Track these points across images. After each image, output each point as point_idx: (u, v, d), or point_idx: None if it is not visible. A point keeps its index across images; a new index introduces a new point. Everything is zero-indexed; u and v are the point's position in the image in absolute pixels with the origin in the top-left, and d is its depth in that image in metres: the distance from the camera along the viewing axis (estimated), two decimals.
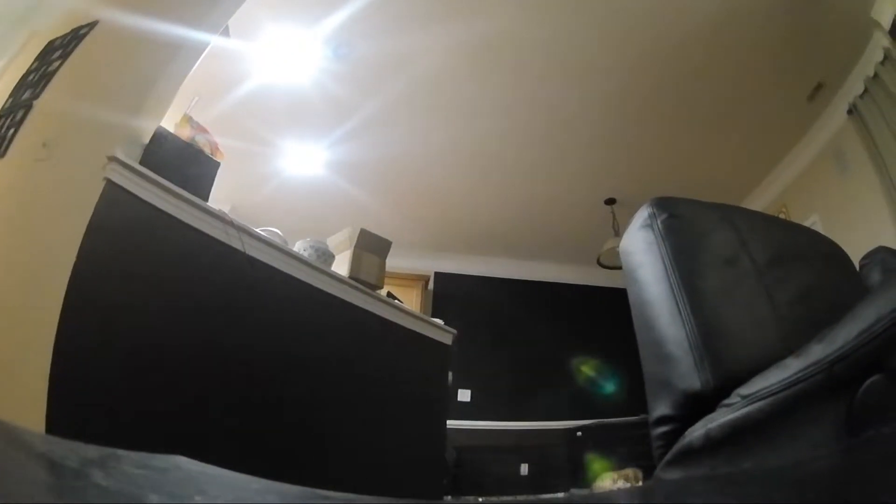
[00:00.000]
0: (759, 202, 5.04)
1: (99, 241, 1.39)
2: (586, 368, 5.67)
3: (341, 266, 2.30)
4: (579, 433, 4.97)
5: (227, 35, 2.61)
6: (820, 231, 3.96)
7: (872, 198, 3.72)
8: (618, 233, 4.82)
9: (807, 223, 4.34)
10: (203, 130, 1.97)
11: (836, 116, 4.12)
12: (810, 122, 4.31)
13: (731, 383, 0.88)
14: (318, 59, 3.40)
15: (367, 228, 2.48)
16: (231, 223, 1.75)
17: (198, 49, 1.99)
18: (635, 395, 5.44)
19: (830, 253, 1.45)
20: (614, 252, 4.78)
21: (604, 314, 5.94)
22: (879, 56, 3.49)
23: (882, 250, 1.87)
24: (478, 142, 4.28)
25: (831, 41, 3.60)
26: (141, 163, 1.60)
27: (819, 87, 3.97)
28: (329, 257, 2.18)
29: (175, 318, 1.54)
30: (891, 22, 3.22)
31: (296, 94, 3.66)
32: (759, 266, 1.10)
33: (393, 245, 5.33)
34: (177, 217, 1.60)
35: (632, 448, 4.72)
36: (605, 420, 5.05)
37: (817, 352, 0.75)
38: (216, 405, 1.58)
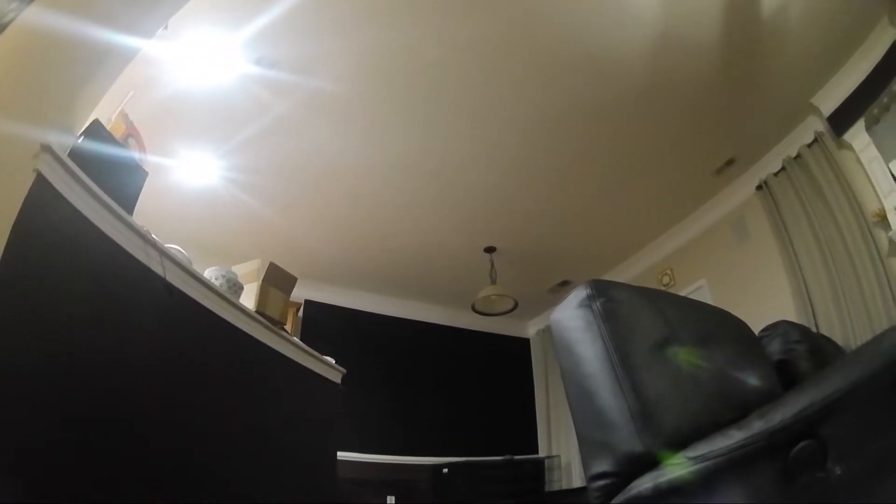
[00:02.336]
0: (642, 263, 5.33)
1: (21, 243, 1.23)
2: (452, 408, 5.84)
3: (248, 298, 2.23)
4: (445, 470, 5.08)
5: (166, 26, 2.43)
6: (706, 295, 4.42)
7: (770, 269, 3.96)
8: (494, 281, 5.01)
9: (692, 287, 4.68)
10: (136, 132, 1.91)
11: (742, 190, 4.35)
12: (712, 193, 4.54)
13: (668, 448, 1.05)
14: (225, 65, 3.17)
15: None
16: (154, 245, 1.65)
17: (129, 55, 1.87)
18: (496, 437, 5.74)
19: (738, 330, 1.71)
20: (489, 299, 5.00)
21: (471, 357, 6.25)
22: (808, 139, 3.70)
23: (783, 324, 2.11)
24: (364, 173, 4.15)
25: (759, 119, 3.79)
26: (70, 155, 1.46)
27: (730, 161, 4.17)
28: (238, 288, 2.10)
29: (79, 336, 1.40)
30: (831, 110, 3.50)
31: (194, 100, 3.38)
32: (686, 348, 1.32)
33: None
34: (100, 229, 1.47)
35: (495, 487, 4.97)
36: (471, 459, 5.21)
37: (758, 425, 0.93)
38: (107, 430, 1.44)
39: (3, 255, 1.16)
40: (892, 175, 3.07)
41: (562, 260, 5.45)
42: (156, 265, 1.65)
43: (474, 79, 3.39)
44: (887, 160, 3.11)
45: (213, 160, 3.90)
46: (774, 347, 2.00)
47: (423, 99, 3.53)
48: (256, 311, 2.14)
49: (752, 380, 1.54)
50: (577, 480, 5.44)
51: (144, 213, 4.16)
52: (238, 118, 3.52)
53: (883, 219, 3.18)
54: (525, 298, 5.34)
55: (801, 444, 0.83)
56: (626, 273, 5.50)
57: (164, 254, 1.66)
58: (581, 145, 3.96)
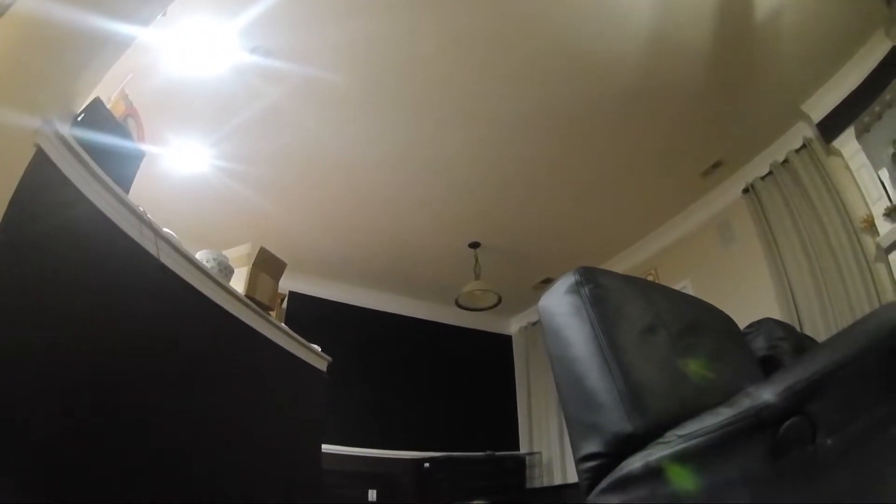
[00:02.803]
0: (627, 262, 5.35)
1: (18, 216, 1.22)
2: (434, 403, 5.87)
3: (237, 283, 2.23)
4: (427, 464, 5.09)
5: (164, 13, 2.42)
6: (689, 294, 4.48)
7: (755, 272, 4.00)
8: (478, 276, 5.03)
9: (676, 286, 4.54)
10: (135, 113, 1.90)
11: (728, 193, 4.38)
12: (698, 194, 4.57)
13: (657, 428, 1.08)
14: (220, 53, 3.13)
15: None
16: (149, 224, 1.66)
17: (126, 42, 1.85)
18: (478, 433, 5.75)
19: (725, 324, 1.75)
20: (473, 294, 5.01)
21: (454, 353, 6.27)
22: (797, 144, 3.74)
23: (768, 321, 2.17)
24: (352, 166, 4.13)
25: (748, 123, 3.82)
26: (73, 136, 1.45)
27: (717, 164, 4.21)
28: (229, 272, 2.11)
29: (74, 315, 1.38)
30: (821, 117, 3.54)
31: (191, 88, 3.35)
32: (673, 335, 1.35)
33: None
34: (97, 206, 1.46)
35: (477, 483, 5.00)
36: (452, 454, 5.24)
37: (746, 403, 0.94)
38: (95, 416, 1.44)
39: (0, 225, 1.15)
40: (881, 182, 3.10)
41: (546, 257, 5.46)
42: (150, 245, 1.64)
43: (465, 75, 3.39)
44: (876, 168, 3.14)
45: (203, 148, 3.86)
46: (759, 343, 2.03)
47: (413, 93, 3.52)
48: (246, 296, 2.14)
49: (738, 367, 1.59)
50: (559, 478, 5.46)
51: (135, 199, 4.21)
52: (230, 106, 3.49)
53: (871, 225, 3.20)
54: (508, 295, 5.33)
55: (790, 420, 0.86)
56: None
57: (159, 234, 1.66)
58: (569, 144, 3.98)
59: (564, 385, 1.31)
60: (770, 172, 3.97)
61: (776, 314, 3.60)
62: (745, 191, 4.19)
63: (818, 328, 3.40)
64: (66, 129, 1.41)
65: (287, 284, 5.45)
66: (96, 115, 1.60)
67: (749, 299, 4.04)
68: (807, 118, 3.69)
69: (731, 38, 3.17)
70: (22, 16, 1.45)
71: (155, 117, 3.49)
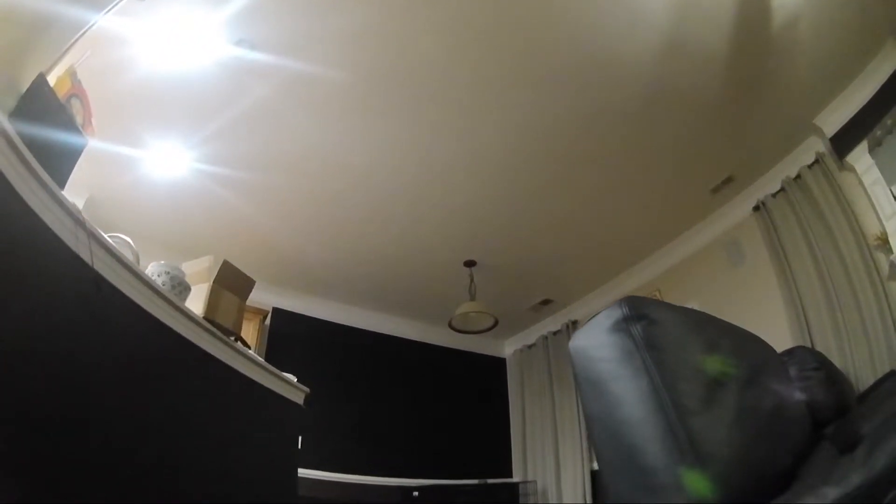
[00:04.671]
0: (629, 283, 5.15)
1: None
2: (424, 427, 5.61)
3: (196, 301, 1.89)
4: (415, 493, 4.84)
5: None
6: None
7: (766, 294, 3.84)
8: (473, 297, 4.79)
9: None
10: (82, 93, 1.65)
11: (738, 210, 4.21)
12: (706, 212, 4.39)
13: None
14: (202, 46, 2.88)
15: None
16: (83, 225, 1.33)
17: (78, 24, 1.57)
18: (469, 459, 5.49)
19: (773, 358, 1.49)
20: (467, 316, 4.73)
21: (445, 375, 6.05)
22: (809, 159, 3.63)
23: (801, 350, 2.02)
24: (343, 173, 3.85)
25: (760, 137, 3.67)
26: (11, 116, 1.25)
27: (728, 180, 4.04)
28: (185, 289, 1.77)
29: None
30: (834, 131, 3.43)
31: (172, 84, 3.09)
32: (742, 384, 1.05)
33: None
34: (27, 203, 1.18)
35: None
36: (443, 482, 5.01)
37: (856, 480, 0.80)
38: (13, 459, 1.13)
39: None
40: (895, 197, 3.02)
41: (544, 278, 5.23)
42: (84, 251, 1.32)
43: (464, 79, 3.18)
44: (889, 183, 3.06)
45: (184, 150, 3.60)
46: (791, 373, 1.95)
47: (408, 98, 3.30)
48: (205, 318, 1.80)
49: (796, 418, 1.35)
50: None
51: (109, 206, 3.89)
52: (213, 104, 3.25)
53: (885, 242, 3.11)
54: (504, 316, 5.09)
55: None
56: (613, 293, 5.31)
57: (93, 237, 1.34)
58: (571, 158, 3.77)
59: (610, 453, 1.01)
60: (782, 189, 3.84)
61: (787, 337, 3.58)
62: (756, 208, 4.04)
63: (832, 353, 3.25)
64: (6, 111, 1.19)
65: (271, 300, 5.18)
66: (36, 93, 1.39)
67: (759, 323, 3.78)
68: (819, 132, 3.58)
69: (746, 46, 3.04)
70: None
71: (132, 116, 3.33)
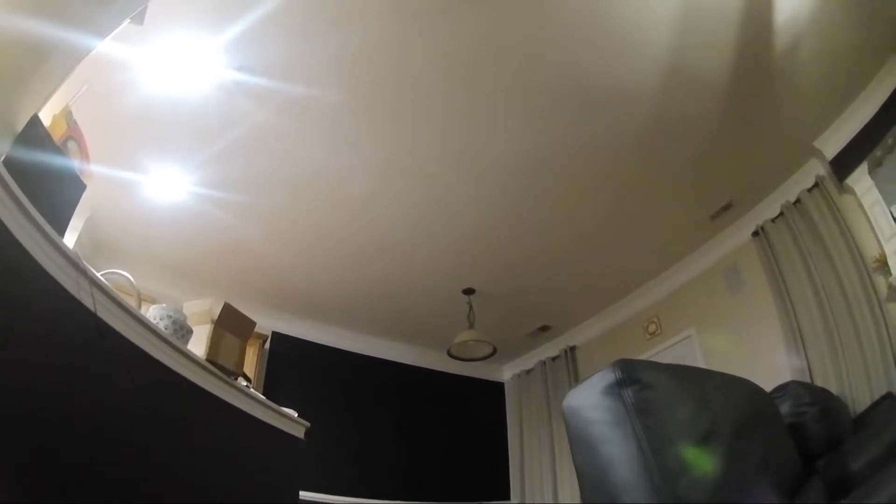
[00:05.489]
0: (628, 309, 5.15)
1: None
2: (422, 450, 5.59)
3: (198, 343, 1.91)
4: None
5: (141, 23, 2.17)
6: (694, 345, 4.33)
7: (764, 320, 3.84)
8: (472, 325, 4.79)
9: (679, 336, 4.56)
10: (78, 135, 1.63)
11: (737, 236, 4.22)
12: (705, 238, 4.39)
13: None
14: (201, 71, 2.90)
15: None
16: (84, 272, 1.36)
17: (78, 53, 1.59)
18: (468, 481, 5.49)
19: (764, 405, 1.51)
20: (466, 344, 4.73)
21: (444, 399, 6.05)
22: (809, 183, 3.63)
23: (794, 385, 2.05)
24: (343, 200, 3.86)
25: (759, 162, 3.68)
26: (5, 161, 1.22)
27: (728, 206, 4.04)
28: (187, 332, 1.80)
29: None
30: (834, 153, 3.43)
31: (171, 108, 3.08)
32: (728, 439, 1.08)
33: (232, 293, 4.78)
34: (28, 251, 1.20)
35: None
36: None
37: None
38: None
39: None
40: (894, 218, 3.03)
41: (543, 304, 5.24)
42: (87, 298, 1.35)
43: (465, 109, 3.19)
44: (889, 203, 3.08)
45: (183, 174, 3.60)
46: (785, 409, 2.00)
47: (408, 125, 3.31)
48: (207, 360, 1.82)
49: (787, 459, 1.44)
50: None
51: (108, 227, 3.90)
52: (212, 128, 3.24)
53: (883, 264, 3.12)
54: (502, 342, 5.10)
55: None
56: (611, 319, 5.33)
57: (96, 284, 1.36)
58: (571, 187, 3.79)
59: None
60: (781, 214, 3.84)
61: (785, 365, 3.59)
62: (755, 234, 4.05)
63: (829, 378, 3.29)
64: None
65: (270, 324, 5.17)
66: (32, 136, 1.38)
67: (757, 349, 3.90)
68: (819, 155, 3.60)
69: (747, 70, 3.05)
70: None
71: (132, 139, 3.31)
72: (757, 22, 2.78)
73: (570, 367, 5.56)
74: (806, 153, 3.65)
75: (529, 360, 6.15)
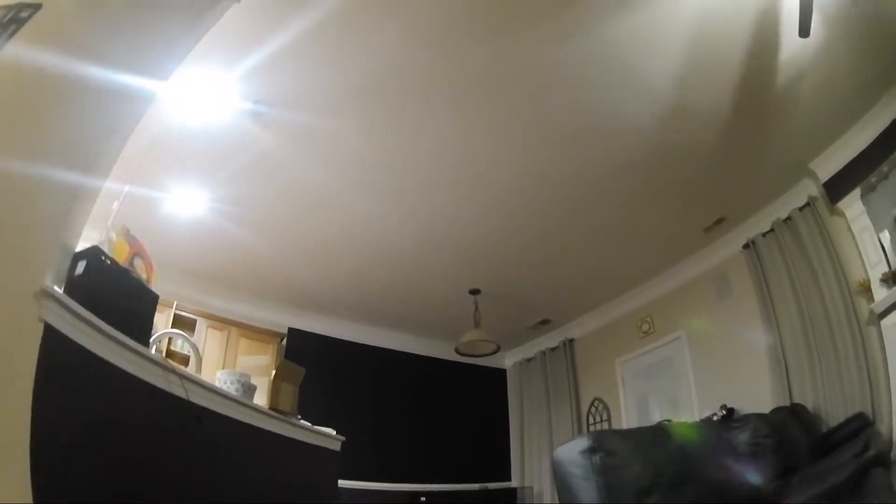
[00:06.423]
0: (623, 308, 5.38)
1: (47, 397, 1.23)
2: (429, 436, 5.93)
3: (261, 395, 2.37)
4: (423, 498, 5.16)
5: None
6: (684, 347, 4.58)
7: (749, 328, 4.02)
8: (478, 324, 5.06)
9: (670, 337, 4.79)
10: (140, 249, 1.82)
11: (728, 247, 4.40)
12: (699, 247, 4.56)
13: None
14: (218, 103, 3.07)
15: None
16: (173, 370, 1.73)
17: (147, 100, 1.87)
18: (471, 465, 5.73)
19: (713, 445, 1.92)
20: (473, 343, 5.02)
21: (449, 386, 6.34)
22: (801, 202, 3.74)
23: (755, 417, 2.26)
24: (352, 210, 4.09)
25: (755, 181, 3.80)
26: (73, 286, 1.41)
27: (720, 220, 4.20)
28: (251, 390, 2.23)
29: (116, 468, 1.45)
30: (828, 176, 3.51)
31: (190, 136, 3.30)
32: (665, 491, 1.52)
33: (249, 293, 5.20)
34: (120, 367, 1.48)
35: None
36: (448, 486, 5.31)
37: None
38: None
39: (34, 413, 1.17)
40: (882, 245, 3.12)
41: (544, 301, 5.53)
42: (177, 389, 1.70)
43: (471, 134, 3.38)
44: (878, 230, 3.16)
45: (202, 192, 3.89)
46: (742, 438, 2.25)
47: (417, 153, 3.54)
48: (270, 408, 2.28)
49: (738, 489, 1.74)
50: None
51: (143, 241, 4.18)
52: (228, 152, 3.49)
53: (867, 289, 3.21)
54: (505, 334, 5.42)
55: None
56: (606, 316, 5.58)
57: (184, 377, 1.70)
58: (574, 205, 4.02)
59: None
60: (772, 229, 3.99)
61: (766, 372, 3.79)
62: (746, 246, 4.22)
63: (806, 390, 3.49)
64: (62, 287, 1.38)
65: (286, 321, 5.52)
66: (97, 267, 1.53)
67: (740, 355, 4.12)
68: (813, 176, 3.68)
69: (748, 102, 3.16)
70: None
71: (156, 163, 3.54)
72: (762, 59, 2.90)
73: (568, 357, 5.83)
74: (800, 174, 3.79)
75: (530, 350, 6.41)
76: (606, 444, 1.54)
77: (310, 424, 2.58)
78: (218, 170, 3.66)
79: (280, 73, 2.93)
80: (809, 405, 3.38)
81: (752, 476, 1.97)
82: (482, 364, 6.57)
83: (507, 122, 3.29)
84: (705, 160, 3.61)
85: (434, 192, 3.90)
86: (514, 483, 6.07)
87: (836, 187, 3.50)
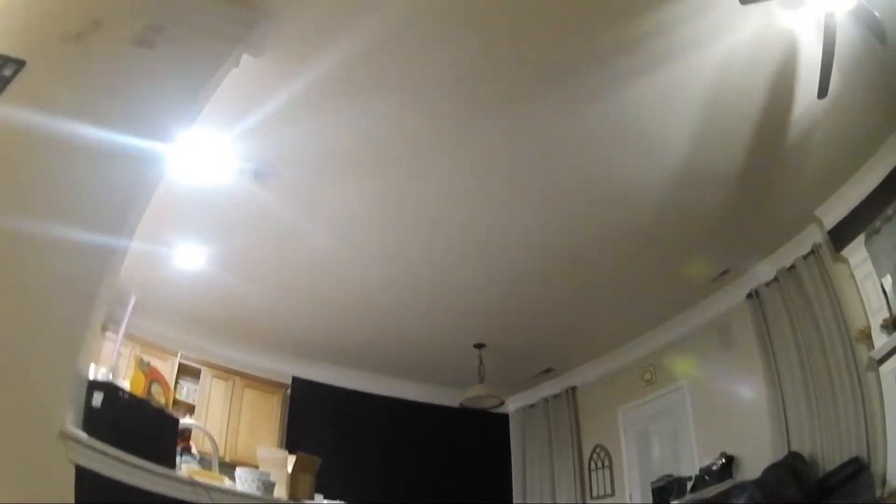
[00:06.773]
0: (625, 357, 5.35)
1: None
2: (431, 483, 5.78)
3: (280, 487, 2.40)
4: None
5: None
6: (685, 396, 4.58)
7: (750, 378, 4.02)
8: (483, 379, 5.05)
9: (672, 387, 4.77)
10: (156, 375, 1.86)
11: (732, 297, 4.38)
12: (702, 297, 4.55)
13: None
14: (215, 162, 3.09)
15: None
16: (199, 485, 1.76)
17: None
18: None
19: None
20: (478, 399, 5.04)
21: (451, 433, 6.23)
22: (805, 249, 3.72)
23: (752, 485, 2.29)
24: (353, 265, 4.11)
25: (760, 231, 3.81)
26: (93, 419, 1.46)
27: (725, 272, 4.20)
28: (270, 486, 2.25)
29: None
30: (833, 223, 3.50)
31: (191, 194, 3.34)
32: None
33: (252, 342, 5.18)
34: (150, 490, 1.53)
35: None
36: None
37: None
38: None
39: None
40: (884, 291, 3.10)
41: (547, 350, 5.53)
42: (203, 497, 1.74)
43: (472, 198, 3.43)
44: (880, 275, 3.14)
45: (203, 248, 3.94)
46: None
47: (415, 215, 3.60)
48: (290, 498, 2.34)
49: None
50: None
51: (145, 292, 4.08)
52: (225, 208, 3.54)
53: (867, 336, 3.20)
54: (508, 382, 5.43)
55: None
56: (609, 365, 5.56)
57: (209, 488, 1.76)
58: (580, 263, 4.05)
59: None
60: (775, 279, 3.98)
61: (766, 422, 3.80)
62: (749, 296, 4.21)
63: (804, 439, 3.49)
64: (91, 439, 1.42)
65: (290, 370, 5.49)
66: (115, 405, 1.58)
67: (741, 406, 4.13)
68: (819, 223, 3.68)
69: (760, 159, 3.17)
70: None
71: (159, 220, 3.36)
72: (776, 113, 2.89)
73: (570, 405, 5.78)
74: (806, 220, 3.78)
75: (533, 396, 6.34)
76: None
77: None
78: (218, 225, 3.72)
79: (282, 133, 2.96)
80: (807, 451, 3.40)
81: None
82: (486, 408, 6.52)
83: (515, 189, 3.34)
84: (713, 217, 3.64)
85: (439, 254, 3.94)
86: None
87: (841, 234, 3.50)
